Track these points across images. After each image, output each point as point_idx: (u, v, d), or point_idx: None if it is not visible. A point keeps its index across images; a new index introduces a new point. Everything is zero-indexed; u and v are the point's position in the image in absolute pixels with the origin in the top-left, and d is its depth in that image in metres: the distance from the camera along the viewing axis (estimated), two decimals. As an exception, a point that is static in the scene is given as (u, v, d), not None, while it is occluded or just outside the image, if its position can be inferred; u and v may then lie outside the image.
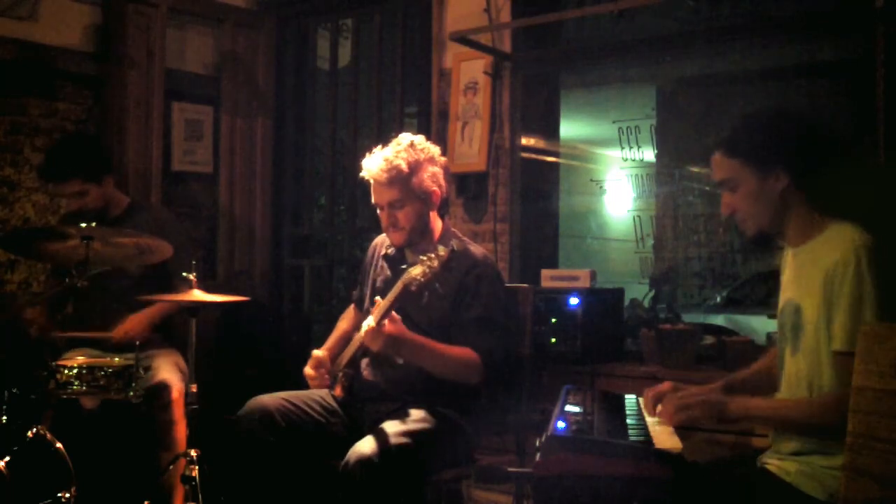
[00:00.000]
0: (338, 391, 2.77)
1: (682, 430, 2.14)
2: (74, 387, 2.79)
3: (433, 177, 2.76)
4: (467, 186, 4.08)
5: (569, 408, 2.23)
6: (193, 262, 2.87)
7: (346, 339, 2.96)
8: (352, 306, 3.12)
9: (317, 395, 2.81)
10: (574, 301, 3.50)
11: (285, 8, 4.89)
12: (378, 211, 2.79)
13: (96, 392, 2.82)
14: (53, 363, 2.83)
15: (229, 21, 4.68)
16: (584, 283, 3.61)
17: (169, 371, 3.25)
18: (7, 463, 2.59)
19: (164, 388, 3.17)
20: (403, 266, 2.60)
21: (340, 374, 2.79)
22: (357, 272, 3.23)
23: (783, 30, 3.70)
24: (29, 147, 4.10)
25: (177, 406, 3.15)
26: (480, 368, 2.63)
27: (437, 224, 2.84)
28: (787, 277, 2.17)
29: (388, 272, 2.87)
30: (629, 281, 4.25)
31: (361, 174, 2.78)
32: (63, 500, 2.66)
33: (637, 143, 4.20)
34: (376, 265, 2.95)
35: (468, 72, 4.08)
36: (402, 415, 2.61)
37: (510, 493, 3.01)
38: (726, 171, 2.12)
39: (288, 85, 4.95)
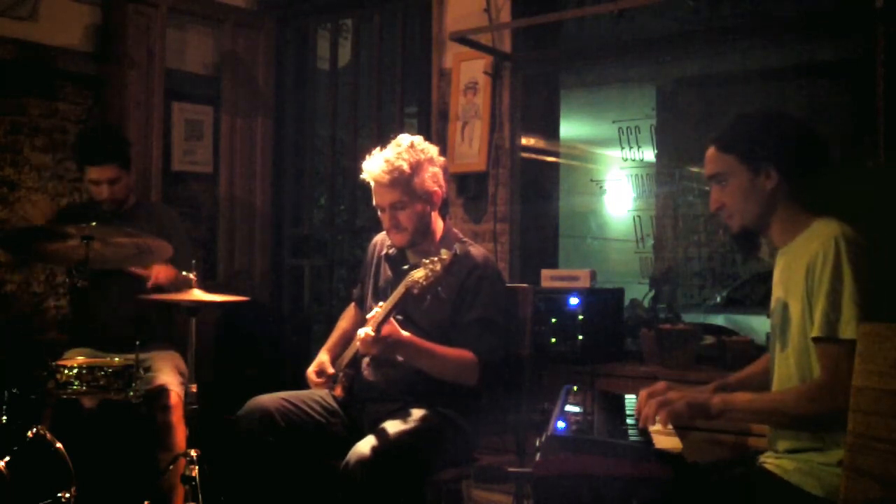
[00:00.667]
0: (338, 391, 2.77)
1: (681, 429, 2.15)
2: (74, 387, 2.79)
3: (434, 177, 2.76)
4: (467, 186, 4.08)
5: (569, 408, 2.23)
6: (193, 262, 2.87)
7: (347, 338, 2.97)
8: (352, 305, 3.12)
9: (317, 395, 2.81)
10: (574, 301, 3.50)
11: (285, 8, 4.88)
12: (379, 212, 2.78)
13: (96, 392, 2.83)
14: (53, 363, 2.83)
15: (229, 21, 4.68)
16: (584, 283, 3.61)
17: (169, 374, 3.26)
18: (7, 463, 2.59)
19: (163, 391, 3.17)
20: (405, 267, 2.60)
21: (341, 375, 2.79)
22: (357, 272, 3.23)
23: (783, 30, 3.71)
24: (29, 147, 4.10)
25: (176, 409, 3.16)
26: (478, 370, 2.63)
27: (438, 224, 2.84)
28: (775, 278, 2.19)
29: (390, 273, 2.87)
30: (629, 281, 4.25)
31: (362, 176, 2.77)
32: (63, 500, 2.66)
33: (637, 143, 4.20)
34: (377, 265, 2.95)
35: (468, 72, 4.08)
36: (402, 415, 2.61)
37: (510, 493, 3.01)
38: (718, 166, 2.15)
39: (288, 85, 4.95)
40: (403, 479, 2.46)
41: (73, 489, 2.68)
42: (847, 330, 1.89)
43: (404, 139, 2.79)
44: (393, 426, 2.53)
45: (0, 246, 3.66)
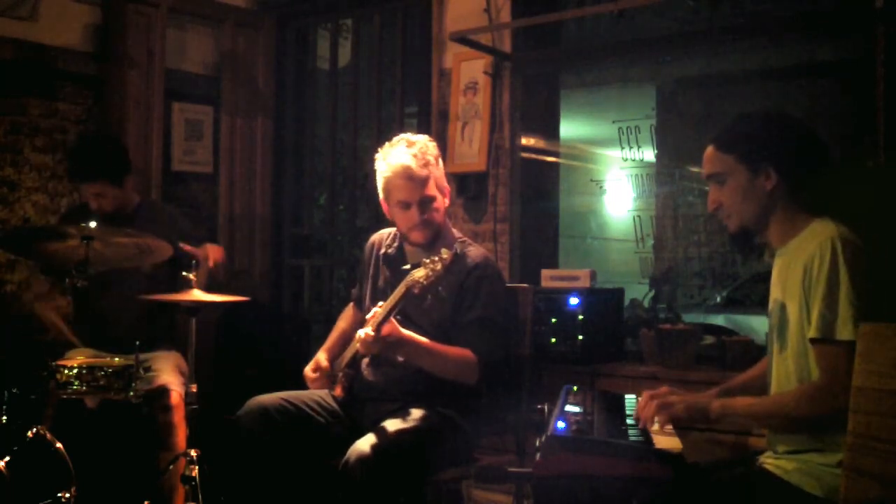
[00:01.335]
0: (338, 391, 2.78)
1: (681, 429, 2.15)
2: (74, 387, 2.79)
3: (444, 173, 2.81)
4: (467, 186, 4.08)
5: (569, 408, 2.23)
6: (193, 262, 2.87)
7: (346, 338, 2.97)
8: (351, 305, 3.12)
9: (317, 395, 2.81)
10: (574, 301, 3.50)
11: (285, 8, 4.88)
12: (400, 210, 2.75)
13: (96, 392, 2.82)
14: (53, 363, 2.83)
15: (229, 21, 4.68)
16: (584, 283, 3.61)
17: (170, 374, 3.25)
18: (7, 463, 2.59)
19: (164, 391, 3.17)
20: (405, 267, 2.60)
21: (340, 375, 2.79)
22: (356, 271, 3.23)
23: (783, 30, 3.71)
24: (29, 147, 4.10)
25: (177, 410, 3.15)
26: (478, 369, 2.64)
27: (447, 222, 2.86)
28: (773, 279, 2.19)
29: (388, 273, 2.87)
30: (629, 281, 4.25)
31: (384, 173, 2.75)
32: (63, 500, 2.66)
33: (637, 143, 4.20)
34: (375, 265, 2.95)
35: (468, 72, 4.08)
36: (402, 414, 2.61)
37: (510, 493, 3.01)
38: (717, 166, 2.15)
39: (288, 85, 4.95)
40: (403, 478, 2.47)
41: (73, 489, 2.68)
42: (844, 331, 1.90)
43: (415, 136, 2.80)
44: (393, 425, 2.53)
45: (0, 246, 3.66)
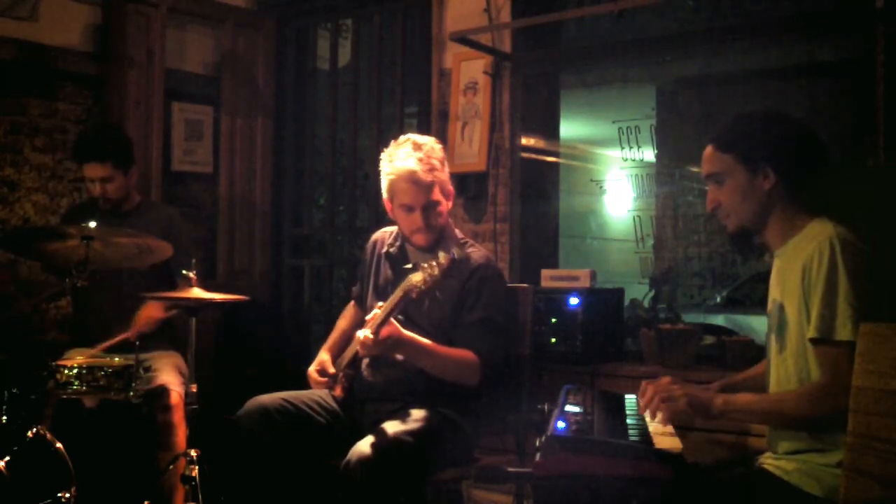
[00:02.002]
0: (338, 391, 2.77)
1: (681, 429, 2.15)
2: (74, 387, 2.79)
3: (449, 175, 2.80)
4: (467, 186, 4.08)
5: (569, 408, 2.23)
6: (193, 262, 2.87)
7: (347, 338, 2.96)
8: (351, 303, 3.11)
9: (317, 395, 2.81)
10: (574, 301, 3.50)
11: (285, 8, 4.88)
12: (404, 213, 2.74)
13: (96, 392, 2.82)
14: (53, 363, 2.83)
15: (229, 21, 4.68)
16: (584, 283, 3.61)
17: (169, 374, 3.25)
18: (7, 463, 2.59)
19: (164, 392, 3.17)
20: (407, 266, 2.59)
21: (341, 375, 2.79)
22: (357, 271, 3.22)
23: (783, 30, 3.70)
24: (29, 147, 4.11)
25: (177, 410, 3.15)
26: (479, 370, 2.64)
27: (449, 224, 2.86)
28: (772, 279, 2.19)
29: (390, 272, 2.87)
30: (629, 281, 4.25)
31: (389, 176, 2.73)
32: (63, 500, 2.66)
33: (637, 143, 4.20)
34: (377, 263, 2.95)
35: (468, 72, 4.08)
36: (402, 415, 2.60)
37: (510, 493, 3.01)
38: (716, 165, 2.15)
39: (288, 85, 4.95)
40: (404, 478, 2.46)
41: (73, 489, 2.68)
42: (843, 331, 1.90)
43: (421, 138, 2.78)
44: (393, 426, 2.53)
45: (0, 246, 3.66)
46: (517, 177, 4.04)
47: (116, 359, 2.97)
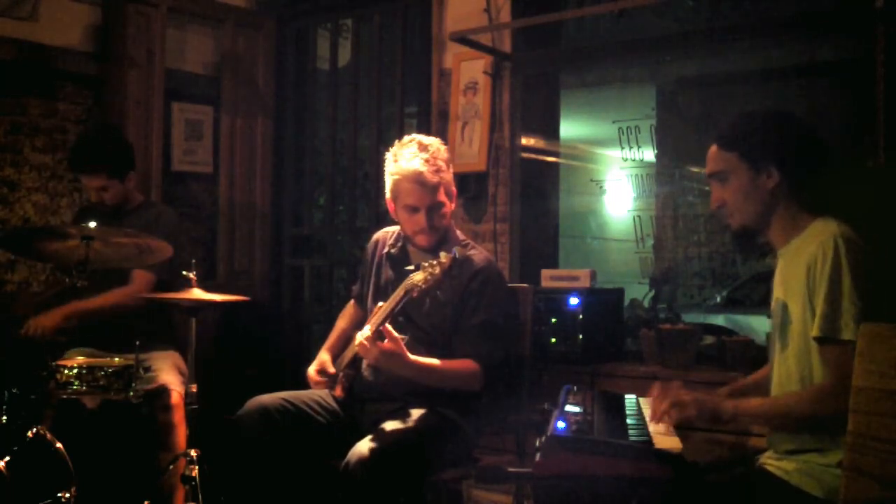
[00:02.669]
0: (338, 391, 2.77)
1: (681, 429, 2.15)
2: (74, 387, 2.79)
3: (453, 176, 2.80)
4: (467, 186, 4.08)
5: (569, 408, 2.23)
6: (193, 262, 2.87)
7: (346, 337, 2.96)
8: (351, 302, 3.11)
9: (317, 395, 2.81)
10: (574, 301, 3.50)
11: (285, 8, 4.89)
12: (408, 213, 2.73)
13: (96, 392, 2.82)
14: (53, 363, 2.83)
15: (229, 21, 4.68)
16: (584, 283, 3.61)
17: (169, 373, 3.26)
18: (7, 463, 2.59)
19: (164, 391, 3.17)
20: (409, 267, 2.59)
21: (341, 375, 2.79)
22: (357, 271, 3.22)
23: (783, 30, 3.70)
24: (29, 147, 4.11)
25: (177, 409, 3.15)
26: (481, 376, 2.64)
27: (451, 225, 2.86)
28: (776, 278, 2.19)
29: (391, 272, 2.87)
30: (629, 281, 4.25)
31: (394, 177, 2.72)
32: (63, 500, 2.66)
33: (637, 143, 4.20)
34: (378, 263, 2.94)
35: (468, 72, 4.08)
36: (402, 415, 2.61)
37: (510, 493, 3.01)
38: (720, 164, 2.15)
39: (288, 85, 4.95)
40: (403, 479, 2.46)
41: (73, 489, 2.68)
42: (846, 331, 1.89)
43: (427, 139, 2.78)
44: (393, 426, 2.53)
45: (0, 246, 3.66)
46: (517, 177, 4.04)
47: (116, 359, 2.97)
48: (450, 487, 2.81)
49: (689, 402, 2.05)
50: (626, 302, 3.95)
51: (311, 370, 2.85)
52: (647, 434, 2.04)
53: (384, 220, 2.94)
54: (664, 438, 2.01)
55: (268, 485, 2.65)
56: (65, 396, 2.83)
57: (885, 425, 1.66)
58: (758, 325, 5.85)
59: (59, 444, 2.71)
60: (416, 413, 2.61)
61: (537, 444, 1.97)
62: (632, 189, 4.27)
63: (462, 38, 3.88)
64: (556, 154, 4.31)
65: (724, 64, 5.81)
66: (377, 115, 4.62)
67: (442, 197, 2.72)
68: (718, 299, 7.36)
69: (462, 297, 2.70)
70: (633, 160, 4.22)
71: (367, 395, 2.77)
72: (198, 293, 2.77)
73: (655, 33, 4.24)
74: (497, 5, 4.00)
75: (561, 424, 2.03)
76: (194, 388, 2.78)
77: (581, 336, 3.48)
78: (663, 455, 1.89)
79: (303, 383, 2.88)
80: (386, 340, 2.46)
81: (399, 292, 2.47)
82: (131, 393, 2.84)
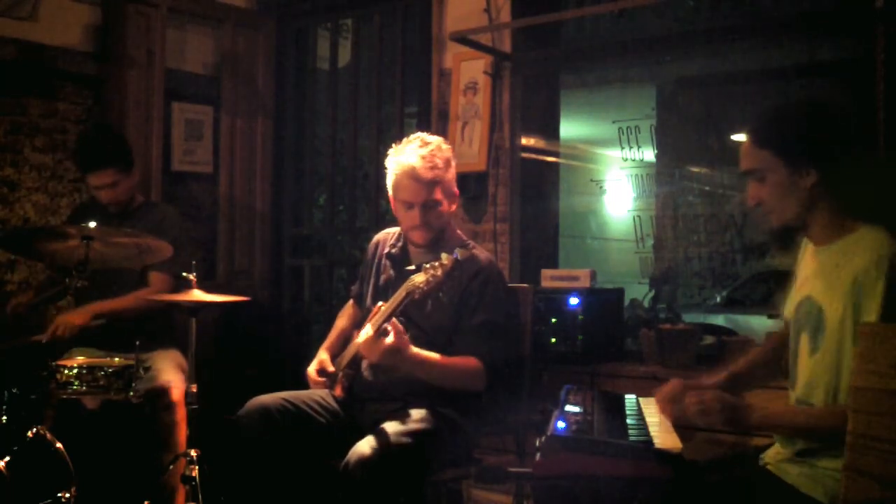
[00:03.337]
0: (338, 391, 2.77)
1: (681, 429, 2.14)
2: (74, 387, 2.79)
3: (454, 178, 2.80)
4: (467, 186, 4.08)
5: (569, 408, 2.23)
6: (193, 262, 2.87)
7: (346, 337, 2.97)
8: (350, 302, 3.11)
9: (317, 395, 2.81)
10: (574, 301, 3.50)
11: (285, 8, 4.89)
12: (404, 210, 2.75)
13: (96, 392, 2.82)
14: (53, 363, 2.83)
15: (229, 21, 4.68)
16: (584, 283, 3.61)
17: (171, 372, 3.26)
18: (7, 463, 2.59)
19: (166, 390, 3.17)
20: (409, 267, 2.59)
21: (340, 375, 2.79)
22: (357, 271, 3.22)
23: (783, 30, 3.70)
24: (29, 147, 4.11)
25: (179, 407, 3.15)
26: (483, 375, 2.64)
27: (452, 226, 2.86)
28: (806, 273, 2.11)
29: (391, 272, 2.87)
30: (629, 281, 4.25)
31: (393, 171, 2.74)
32: (63, 500, 2.66)
33: (637, 143, 4.20)
34: (378, 263, 2.95)
35: (468, 72, 4.08)
36: (402, 415, 2.60)
37: (510, 493, 3.01)
38: (754, 161, 2.07)
39: (288, 85, 4.95)
40: (403, 478, 2.46)
41: (73, 489, 2.68)
42: None
43: (429, 137, 2.78)
44: (393, 426, 2.53)
45: (0, 246, 3.66)
46: (517, 177, 4.04)
47: (116, 359, 2.97)
48: (450, 487, 2.81)
49: (716, 412, 1.99)
50: (626, 302, 3.95)
51: (311, 370, 2.85)
52: (647, 434, 2.04)
53: (384, 220, 2.95)
54: (664, 438, 2.01)
55: (268, 485, 2.65)
56: (65, 396, 2.82)
57: (885, 425, 1.66)
58: (758, 325, 5.85)
59: (59, 444, 2.71)
60: (416, 413, 2.61)
61: (537, 444, 1.97)
62: (632, 189, 4.27)
63: (462, 38, 3.88)
64: (556, 154, 4.31)
65: (724, 64, 5.80)
66: (377, 115, 4.62)
67: (438, 195, 2.72)
68: (718, 299, 7.36)
69: (462, 297, 2.70)
70: (633, 160, 4.22)
71: (367, 394, 2.77)
72: (198, 294, 2.77)
73: (655, 33, 4.25)
74: (497, 5, 4.00)
75: (561, 424, 2.03)
76: (194, 388, 2.78)
77: (581, 336, 3.48)
78: (663, 455, 1.89)
79: (303, 383, 2.88)
80: (389, 337, 2.47)
81: (400, 293, 2.47)
82: (131, 393, 2.84)
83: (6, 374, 2.88)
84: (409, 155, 2.71)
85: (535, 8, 3.99)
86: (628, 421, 2.19)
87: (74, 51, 4.21)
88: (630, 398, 2.45)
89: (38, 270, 4.08)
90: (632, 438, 2.01)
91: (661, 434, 2.05)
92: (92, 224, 2.89)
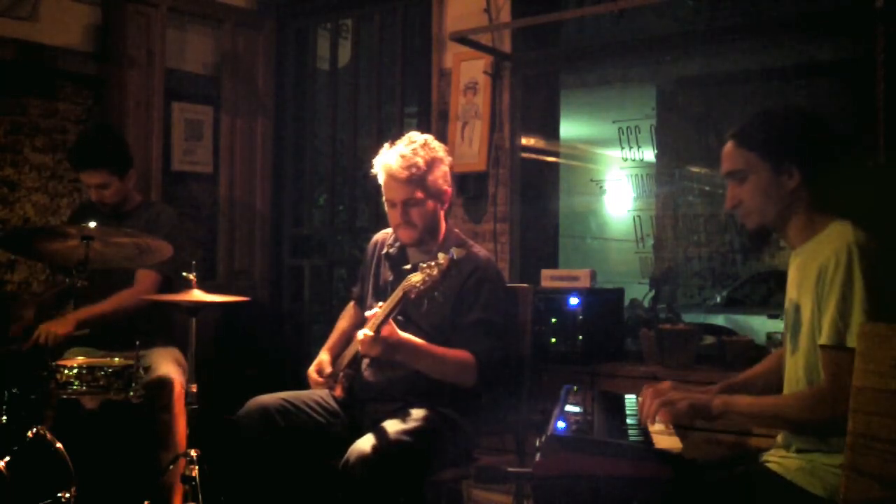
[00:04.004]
0: (338, 391, 2.77)
1: (681, 429, 2.15)
2: (74, 387, 2.79)
3: (444, 176, 2.79)
4: (467, 186, 4.08)
5: (569, 408, 2.23)
6: (193, 262, 2.87)
7: (347, 338, 2.97)
8: (351, 304, 3.12)
9: (317, 395, 2.81)
10: (574, 301, 3.50)
11: (285, 8, 4.89)
12: (388, 208, 2.77)
13: (96, 392, 2.82)
14: (53, 363, 2.83)
15: (229, 21, 4.68)
16: (584, 283, 3.61)
17: (168, 366, 3.25)
18: (7, 463, 2.59)
19: (164, 383, 3.16)
20: (406, 267, 2.59)
21: (341, 375, 2.79)
22: (357, 271, 3.23)
23: (783, 30, 3.70)
24: (29, 147, 4.11)
25: (178, 400, 3.15)
26: (476, 371, 2.63)
27: (443, 224, 2.85)
28: (789, 278, 2.16)
29: (389, 272, 2.87)
30: (629, 281, 4.25)
31: (374, 170, 2.76)
32: (63, 500, 2.66)
33: (637, 143, 4.20)
34: (377, 263, 2.95)
35: (468, 72, 4.08)
36: (402, 415, 2.61)
37: (510, 493, 3.01)
38: (737, 163, 2.11)
39: (288, 85, 4.95)
40: (403, 478, 2.46)
41: (73, 489, 2.68)
42: (852, 340, 1.87)
43: (417, 136, 2.79)
44: (393, 425, 2.53)
45: (0, 246, 3.66)
46: (517, 177, 4.04)
47: (116, 359, 2.97)
48: (450, 487, 2.81)
49: (679, 400, 2.05)
50: (626, 302, 3.95)
51: (312, 370, 2.85)
52: (647, 434, 2.04)
53: (384, 220, 2.93)
54: (664, 438, 2.01)
55: (268, 485, 2.65)
56: (65, 396, 2.82)
57: (885, 425, 1.66)
58: (758, 325, 5.86)
59: (59, 444, 2.71)
60: (416, 413, 2.61)
61: (537, 444, 1.97)
62: (632, 189, 4.27)
63: (462, 38, 3.88)
64: (556, 154, 4.31)
65: (724, 64, 5.81)
66: (377, 115, 4.62)
67: (419, 194, 2.71)
68: (718, 299, 7.37)
69: (459, 295, 2.70)
70: (633, 160, 4.22)
71: (367, 394, 2.77)
72: (198, 294, 2.77)
73: (655, 33, 4.25)
74: (497, 5, 4.01)
75: (561, 424, 2.03)
76: (194, 388, 2.78)
77: (581, 336, 3.48)
78: (663, 455, 1.89)
79: (303, 383, 2.88)
80: (382, 330, 2.47)
81: (397, 293, 2.48)
82: (131, 393, 2.84)
83: (6, 374, 2.88)
84: (389, 155, 2.73)
85: (535, 8, 3.99)
86: (628, 421, 2.19)
87: (74, 51, 4.21)
88: (630, 398, 2.45)
89: (38, 270, 4.09)
90: (631, 438, 2.01)
91: (661, 434, 2.05)
92: (92, 224, 2.89)
